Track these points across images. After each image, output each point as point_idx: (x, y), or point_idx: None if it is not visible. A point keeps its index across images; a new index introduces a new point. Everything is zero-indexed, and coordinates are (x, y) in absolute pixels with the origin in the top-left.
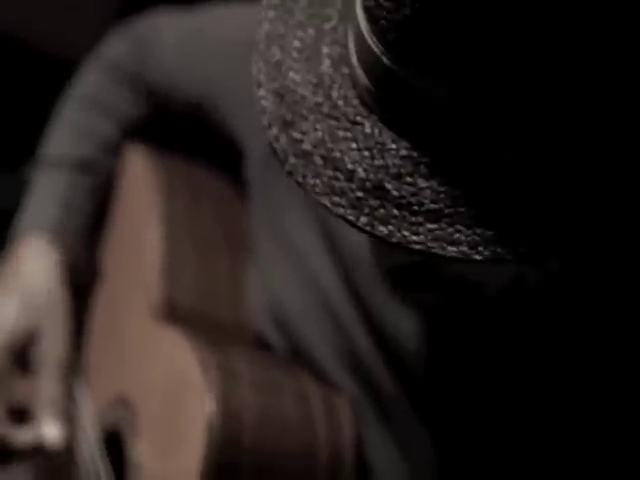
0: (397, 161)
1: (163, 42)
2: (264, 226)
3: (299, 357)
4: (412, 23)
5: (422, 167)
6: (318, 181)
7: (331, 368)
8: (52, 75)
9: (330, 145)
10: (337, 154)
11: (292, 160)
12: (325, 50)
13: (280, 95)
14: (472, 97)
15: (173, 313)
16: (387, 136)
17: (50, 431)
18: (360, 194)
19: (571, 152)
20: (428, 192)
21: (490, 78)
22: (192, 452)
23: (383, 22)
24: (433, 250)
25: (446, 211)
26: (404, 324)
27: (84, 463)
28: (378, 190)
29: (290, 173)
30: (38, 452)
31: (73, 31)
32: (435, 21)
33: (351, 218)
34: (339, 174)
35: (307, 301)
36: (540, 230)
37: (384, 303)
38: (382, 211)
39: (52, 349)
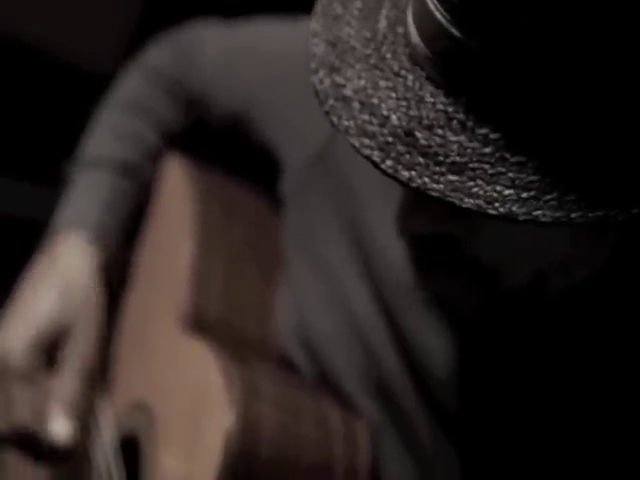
0: (432, 114)
1: (206, 53)
2: (297, 244)
3: (323, 379)
4: None
5: (454, 122)
6: (352, 123)
7: (356, 392)
8: (82, 88)
9: (370, 92)
10: (375, 101)
11: (331, 102)
12: (384, 12)
13: (332, 44)
14: (521, 60)
15: (200, 323)
16: (427, 90)
17: (59, 428)
18: (390, 139)
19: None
20: (456, 146)
21: (546, 44)
22: (208, 463)
23: None
24: (450, 199)
25: (470, 165)
26: (434, 346)
27: (99, 466)
28: (408, 137)
29: (327, 113)
30: (52, 448)
31: (99, 45)
32: None
33: (377, 159)
34: (374, 119)
35: (337, 323)
36: (559, 197)
37: (416, 326)
38: (408, 157)
39: (80, 348)
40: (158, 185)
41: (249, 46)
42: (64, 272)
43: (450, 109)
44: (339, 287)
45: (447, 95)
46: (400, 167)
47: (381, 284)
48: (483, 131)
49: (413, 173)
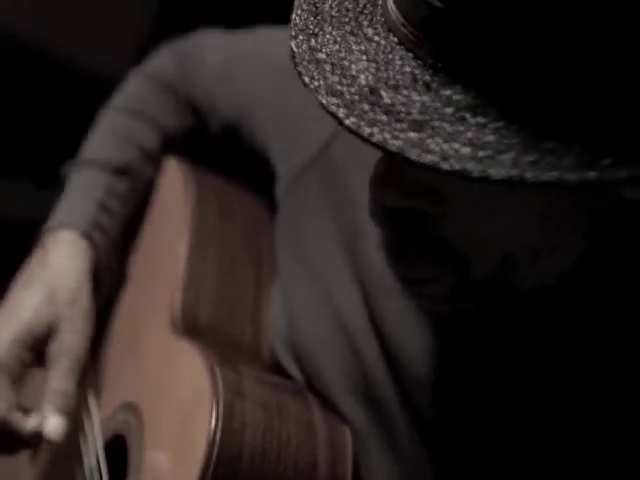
0: (398, 75)
1: (207, 61)
2: (288, 248)
3: (310, 382)
4: None
5: (420, 83)
6: (322, 82)
7: (342, 396)
8: (90, 94)
9: (342, 55)
10: (346, 63)
11: (305, 63)
12: None
13: (314, 15)
14: (486, 23)
15: (191, 326)
16: (397, 54)
17: (51, 423)
18: (356, 97)
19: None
20: (418, 105)
21: (511, 5)
22: (192, 463)
23: None
24: (408, 154)
25: (430, 123)
26: (416, 353)
27: (86, 465)
28: (373, 95)
29: (300, 73)
30: (38, 442)
31: (110, 52)
32: None
33: (341, 116)
34: (343, 79)
35: (325, 327)
36: (515, 158)
37: (404, 332)
38: (371, 114)
39: (67, 344)
40: (154, 186)
41: (248, 55)
42: (53, 271)
43: (417, 71)
44: (328, 292)
45: (415, 58)
46: (363, 123)
47: (369, 289)
48: (447, 92)
49: (375, 129)
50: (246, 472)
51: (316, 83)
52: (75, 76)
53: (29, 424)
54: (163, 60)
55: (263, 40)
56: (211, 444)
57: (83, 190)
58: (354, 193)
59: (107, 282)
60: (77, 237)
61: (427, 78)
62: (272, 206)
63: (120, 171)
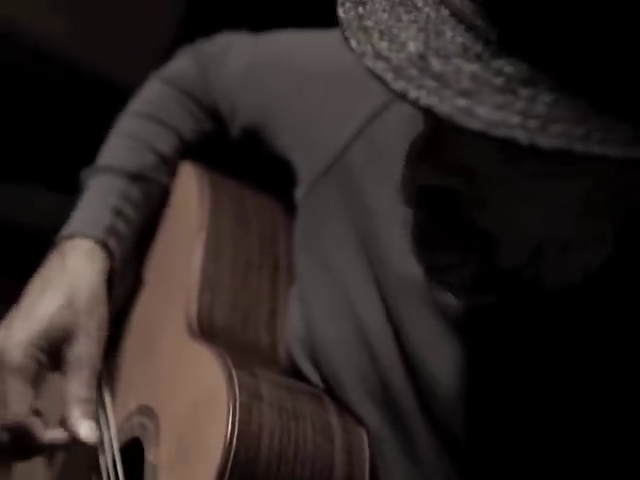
0: (449, 45)
1: (230, 64)
2: (306, 252)
3: (328, 386)
4: None
5: (470, 53)
6: (369, 48)
7: (359, 399)
8: (109, 99)
9: (391, 23)
10: (395, 30)
11: (353, 29)
12: None
13: None
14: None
15: (208, 330)
16: (448, 26)
17: (84, 429)
18: (404, 63)
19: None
20: (468, 74)
21: None
22: (209, 466)
23: None
24: (455, 119)
25: (479, 92)
26: (440, 359)
27: (103, 468)
28: (422, 61)
29: (347, 39)
30: (70, 448)
31: (132, 57)
32: None
33: (388, 79)
34: (392, 45)
35: (343, 330)
36: (565, 130)
37: (423, 336)
38: (419, 80)
39: (86, 353)
40: (170, 191)
41: (272, 59)
42: (72, 277)
43: (468, 42)
44: (347, 293)
45: (467, 30)
46: (411, 87)
47: (389, 295)
48: (498, 64)
49: (423, 93)
50: (263, 475)
51: (363, 48)
52: (93, 80)
53: (47, 434)
54: (183, 64)
55: (285, 44)
56: (228, 447)
57: (99, 196)
58: (370, 198)
59: (122, 287)
60: (94, 245)
61: (478, 49)
62: (287, 209)
63: (135, 177)
